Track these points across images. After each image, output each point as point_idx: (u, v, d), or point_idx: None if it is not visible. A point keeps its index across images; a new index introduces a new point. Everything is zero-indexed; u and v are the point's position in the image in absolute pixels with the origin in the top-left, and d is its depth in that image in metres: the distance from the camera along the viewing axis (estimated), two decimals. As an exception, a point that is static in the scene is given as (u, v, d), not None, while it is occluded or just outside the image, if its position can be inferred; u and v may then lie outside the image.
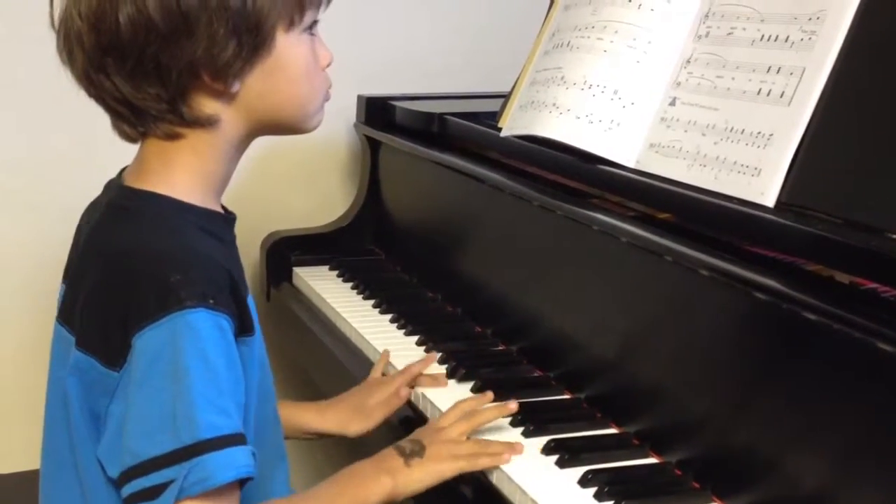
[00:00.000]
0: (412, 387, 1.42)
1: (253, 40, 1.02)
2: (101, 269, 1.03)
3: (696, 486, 1.16)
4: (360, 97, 2.04)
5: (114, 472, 0.99)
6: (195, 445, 0.96)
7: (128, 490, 0.97)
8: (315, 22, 1.08)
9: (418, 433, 1.24)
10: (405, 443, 1.21)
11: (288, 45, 1.05)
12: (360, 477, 1.16)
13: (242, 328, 1.04)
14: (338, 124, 2.13)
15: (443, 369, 1.46)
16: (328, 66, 1.11)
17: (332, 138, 2.16)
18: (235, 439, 0.98)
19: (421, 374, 1.43)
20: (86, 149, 1.84)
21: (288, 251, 1.98)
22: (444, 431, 1.23)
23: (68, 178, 1.89)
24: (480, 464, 1.20)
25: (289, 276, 1.96)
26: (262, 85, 1.04)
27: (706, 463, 1.17)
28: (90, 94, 1.05)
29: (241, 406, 1.02)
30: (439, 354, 1.50)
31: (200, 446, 0.96)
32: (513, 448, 1.22)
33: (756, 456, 1.10)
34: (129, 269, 1.00)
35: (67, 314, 1.07)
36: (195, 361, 0.96)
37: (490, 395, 1.32)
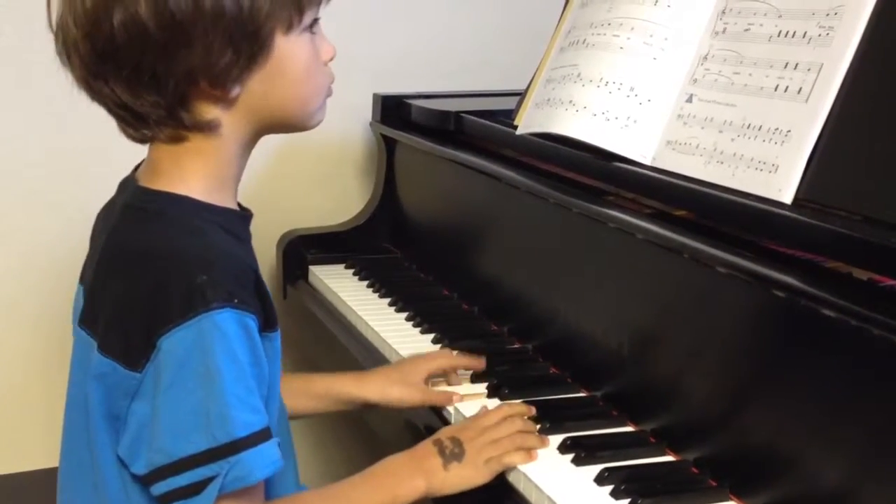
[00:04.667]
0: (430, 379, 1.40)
1: (250, 46, 1.00)
2: (125, 272, 1.03)
3: (713, 484, 1.16)
4: (375, 95, 2.04)
5: (140, 469, 1.00)
6: (231, 444, 0.97)
7: (161, 488, 0.99)
8: (316, 20, 1.07)
9: (458, 430, 1.21)
10: (446, 440, 1.18)
11: (288, 47, 1.03)
12: (395, 475, 1.15)
13: (267, 324, 1.04)
14: (353, 123, 2.13)
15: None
16: (331, 59, 1.09)
17: (348, 137, 2.16)
18: (265, 434, 1.00)
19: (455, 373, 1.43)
20: (106, 148, 1.85)
21: (304, 250, 1.98)
22: (487, 433, 1.20)
23: (88, 178, 1.89)
24: (511, 461, 1.19)
25: (305, 275, 1.96)
26: (263, 87, 1.03)
27: (723, 461, 1.16)
28: (92, 98, 1.04)
29: (264, 399, 1.03)
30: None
31: (236, 445, 0.97)
32: (542, 442, 1.22)
33: (774, 454, 1.09)
34: (153, 270, 1.00)
35: (89, 318, 1.06)
36: (225, 362, 0.97)
37: (532, 410, 1.29)
